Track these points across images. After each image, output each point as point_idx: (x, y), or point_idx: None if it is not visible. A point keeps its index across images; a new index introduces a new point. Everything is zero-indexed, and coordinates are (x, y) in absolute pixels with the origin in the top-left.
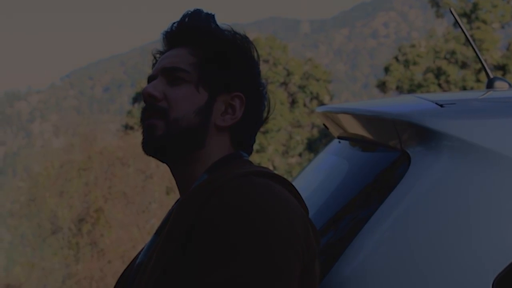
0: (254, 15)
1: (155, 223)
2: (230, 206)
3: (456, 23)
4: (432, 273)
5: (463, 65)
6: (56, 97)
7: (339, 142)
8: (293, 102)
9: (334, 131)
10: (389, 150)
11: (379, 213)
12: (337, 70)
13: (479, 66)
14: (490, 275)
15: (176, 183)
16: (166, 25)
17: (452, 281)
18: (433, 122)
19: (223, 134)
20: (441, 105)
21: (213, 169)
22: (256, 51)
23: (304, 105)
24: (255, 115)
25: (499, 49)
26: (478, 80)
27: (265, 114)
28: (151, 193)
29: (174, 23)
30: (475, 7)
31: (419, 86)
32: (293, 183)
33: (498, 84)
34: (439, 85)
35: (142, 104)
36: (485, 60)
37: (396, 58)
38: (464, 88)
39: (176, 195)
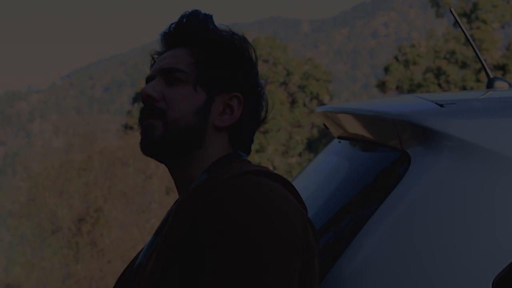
0: (254, 15)
1: (155, 223)
2: (229, 206)
3: (456, 23)
4: (431, 273)
5: (463, 65)
6: (56, 97)
7: (339, 142)
8: (293, 102)
9: (334, 131)
10: (389, 150)
11: (379, 213)
12: (337, 70)
13: (479, 66)
14: (490, 275)
15: (175, 183)
16: (166, 25)
17: (451, 281)
18: (433, 122)
19: (222, 134)
20: (441, 105)
21: (212, 169)
22: (254, 51)
23: (304, 105)
24: (253, 115)
25: (499, 49)
26: (478, 80)
27: (263, 114)
28: (151, 193)
29: (172, 24)
30: (475, 7)
31: (419, 86)
32: (293, 183)
33: (498, 84)
34: (439, 85)
35: (141, 104)
36: (485, 60)
37: (396, 58)
38: (464, 88)
39: (176, 195)
